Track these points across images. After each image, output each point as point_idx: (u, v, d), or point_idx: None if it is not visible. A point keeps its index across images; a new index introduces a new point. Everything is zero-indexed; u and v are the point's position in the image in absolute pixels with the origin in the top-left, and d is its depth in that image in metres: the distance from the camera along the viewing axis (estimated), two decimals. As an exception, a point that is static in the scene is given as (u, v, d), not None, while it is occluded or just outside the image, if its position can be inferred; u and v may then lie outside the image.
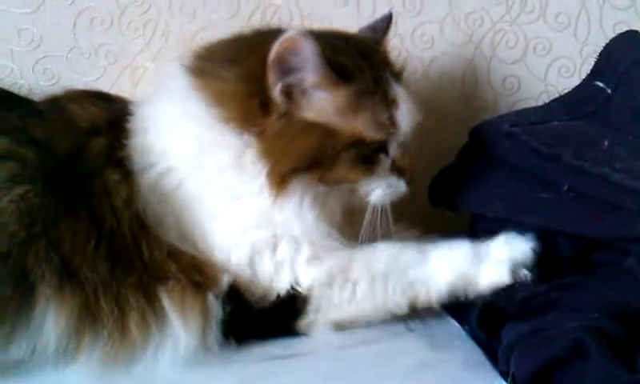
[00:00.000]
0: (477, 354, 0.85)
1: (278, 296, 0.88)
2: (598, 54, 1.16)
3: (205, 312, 0.83)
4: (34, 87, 1.12)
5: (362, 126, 0.86)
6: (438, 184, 1.10)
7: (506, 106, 1.27)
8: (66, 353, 0.79)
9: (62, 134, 0.87)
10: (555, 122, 1.07)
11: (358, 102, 0.86)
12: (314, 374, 0.80)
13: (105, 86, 1.12)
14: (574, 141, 0.98)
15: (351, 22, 1.19)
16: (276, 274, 0.88)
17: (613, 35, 1.18)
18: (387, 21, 1.01)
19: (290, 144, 0.85)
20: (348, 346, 0.86)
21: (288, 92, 0.85)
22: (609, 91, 1.08)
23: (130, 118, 0.90)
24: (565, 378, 0.73)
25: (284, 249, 0.88)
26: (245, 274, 0.87)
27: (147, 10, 1.17)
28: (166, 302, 0.82)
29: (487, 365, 0.82)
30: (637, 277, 0.81)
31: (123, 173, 0.86)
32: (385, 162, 0.90)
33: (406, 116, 0.89)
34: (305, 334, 0.89)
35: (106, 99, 0.96)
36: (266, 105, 0.85)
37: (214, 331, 0.83)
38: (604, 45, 1.16)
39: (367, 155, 0.88)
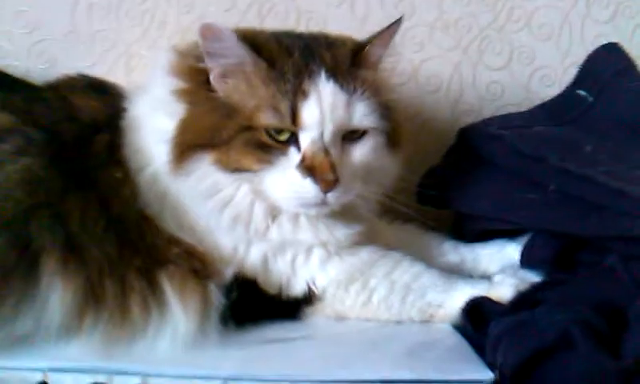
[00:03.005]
0: (464, 345, 0.88)
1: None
2: (578, 64, 1.21)
3: (205, 299, 0.85)
4: (30, 70, 1.12)
5: (258, 108, 0.84)
6: (426, 183, 1.12)
7: (489, 110, 1.31)
8: (69, 329, 0.80)
9: (65, 123, 0.89)
10: (539, 127, 1.11)
11: (262, 85, 0.85)
12: (313, 358, 0.82)
13: (100, 72, 1.12)
14: (559, 145, 1.03)
15: (345, 21, 1.23)
16: (292, 276, 0.91)
17: (593, 47, 1.23)
18: (392, 27, 0.94)
19: (199, 118, 0.86)
20: (344, 333, 0.90)
21: (221, 74, 0.86)
22: (590, 100, 1.13)
23: (124, 114, 0.92)
24: (551, 368, 0.76)
25: (292, 252, 0.91)
26: (259, 273, 0.90)
27: (145, 0, 1.17)
28: (167, 286, 0.84)
29: (474, 356, 0.85)
30: (619, 274, 0.85)
31: (124, 171, 0.88)
32: (292, 156, 0.85)
33: (314, 110, 0.84)
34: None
35: (104, 91, 0.97)
36: (208, 82, 0.87)
37: (214, 317, 0.84)
38: (585, 56, 1.21)
39: (264, 142, 0.84)
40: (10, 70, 1.07)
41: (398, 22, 0.94)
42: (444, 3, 1.28)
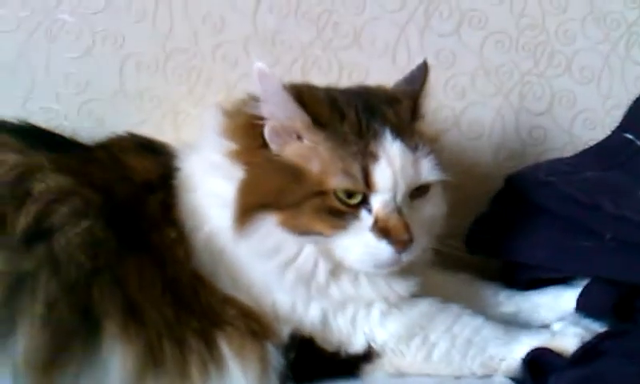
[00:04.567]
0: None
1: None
2: (620, 106, 1.23)
3: (263, 360, 0.84)
4: (78, 129, 1.13)
5: (329, 174, 0.83)
6: (476, 231, 1.12)
7: (532, 155, 1.30)
8: None
9: (118, 184, 0.89)
10: (588, 172, 1.10)
11: (329, 151, 0.84)
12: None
13: (148, 130, 1.13)
14: (611, 190, 1.02)
15: (387, 71, 1.24)
16: (352, 332, 0.90)
17: (634, 88, 1.25)
18: (423, 71, 0.97)
19: (261, 180, 0.85)
20: None
21: (276, 131, 0.86)
22: (638, 143, 1.12)
23: (177, 174, 0.93)
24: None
25: (354, 308, 0.90)
26: (317, 331, 0.89)
27: (192, 58, 1.20)
28: (225, 348, 0.84)
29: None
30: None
31: (178, 232, 0.88)
32: (364, 219, 0.85)
33: (386, 172, 0.83)
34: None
35: (154, 150, 0.98)
36: (263, 139, 0.87)
37: (273, 378, 0.84)
38: (626, 98, 1.23)
39: (336, 208, 0.83)
40: (60, 130, 1.09)
41: (427, 67, 0.96)
42: (485, 50, 1.28)
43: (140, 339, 0.80)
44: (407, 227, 0.84)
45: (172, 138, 1.07)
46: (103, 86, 1.18)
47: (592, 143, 1.24)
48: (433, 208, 0.91)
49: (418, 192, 0.89)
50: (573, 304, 0.99)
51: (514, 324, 0.99)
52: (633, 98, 1.23)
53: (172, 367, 0.81)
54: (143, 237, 0.86)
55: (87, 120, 1.18)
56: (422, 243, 0.88)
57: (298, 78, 1.19)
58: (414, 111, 0.93)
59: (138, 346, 0.80)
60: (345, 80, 1.23)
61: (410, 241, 0.84)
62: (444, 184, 0.94)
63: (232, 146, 0.88)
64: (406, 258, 0.86)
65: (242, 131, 0.89)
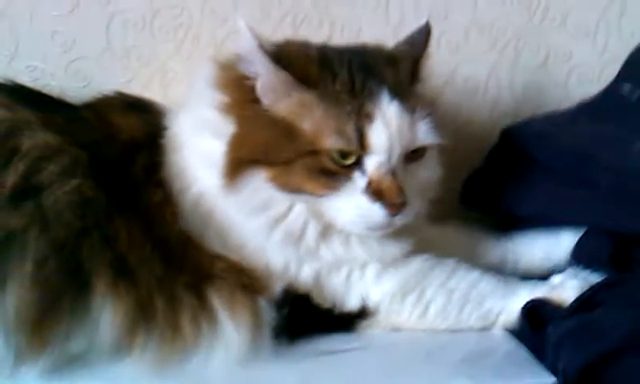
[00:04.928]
0: (522, 350, 0.86)
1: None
2: (616, 60, 1.20)
3: (255, 314, 0.83)
4: (65, 89, 1.12)
5: (322, 133, 0.81)
6: (471, 186, 1.11)
7: (527, 111, 1.28)
8: (121, 348, 0.80)
9: (105, 143, 0.88)
10: (584, 125, 1.09)
11: (322, 110, 0.82)
12: (368, 370, 0.81)
13: (135, 89, 1.12)
14: (607, 142, 1.01)
15: (380, 27, 1.22)
16: (346, 292, 0.89)
17: (631, 42, 1.22)
18: (425, 33, 0.94)
19: (252, 134, 0.83)
20: (398, 342, 0.89)
21: (267, 87, 0.84)
22: (636, 96, 1.10)
23: (165, 133, 0.91)
24: (618, 372, 0.74)
25: (347, 269, 0.89)
26: (311, 289, 0.88)
27: (179, 14, 1.17)
28: (216, 301, 0.83)
29: (533, 360, 0.83)
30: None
31: (164, 194, 0.87)
32: (357, 180, 0.83)
33: (381, 133, 0.82)
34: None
35: (141, 108, 0.96)
36: (256, 95, 0.85)
37: (266, 332, 0.83)
38: (622, 52, 1.20)
39: (328, 168, 0.82)
40: (47, 90, 1.07)
41: (429, 29, 0.94)
42: (477, 5, 1.26)
43: (130, 296, 0.79)
44: (401, 190, 0.83)
45: (160, 97, 1.06)
46: (90, 45, 1.15)
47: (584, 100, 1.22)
48: (428, 172, 0.90)
49: (414, 155, 0.87)
50: (570, 246, 0.98)
51: (509, 271, 1.00)
52: (629, 52, 1.21)
53: (163, 321, 0.80)
54: (131, 197, 0.85)
55: (74, 79, 1.15)
56: (415, 207, 0.87)
57: (288, 34, 1.16)
58: (414, 73, 0.91)
59: (128, 303, 0.79)
60: (337, 37, 1.20)
61: (404, 204, 0.83)
62: (440, 147, 0.92)
63: (224, 98, 0.86)
64: (400, 221, 0.85)
65: (234, 84, 0.86)
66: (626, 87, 1.11)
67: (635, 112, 1.09)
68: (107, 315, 0.78)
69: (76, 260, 0.78)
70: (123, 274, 0.80)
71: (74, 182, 0.81)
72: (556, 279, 0.93)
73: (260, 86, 0.84)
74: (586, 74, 1.31)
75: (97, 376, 0.78)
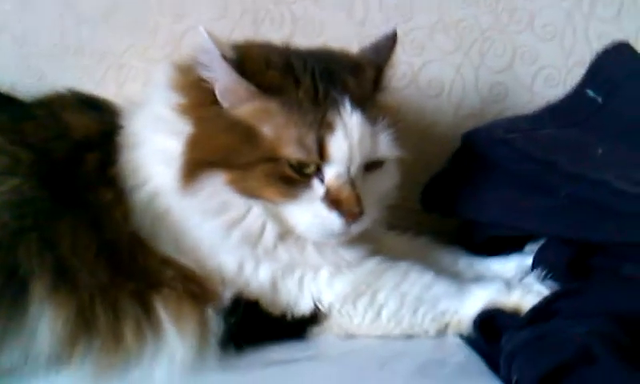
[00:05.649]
0: (476, 361, 0.84)
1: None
2: (583, 63, 1.19)
3: (202, 324, 0.81)
4: (16, 85, 1.08)
5: (282, 141, 0.80)
6: (432, 190, 1.10)
7: (493, 113, 1.27)
8: (60, 359, 0.76)
9: (56, 142, 0.85)
10: (547, 130, 1.08)
11: (283, 118, 0.80)
12: (319, 380, 0.79)
13: (89, 86, 1.08)
14: (569, 148, 1.00)
15: (343, 26, 1.20)
16: (299, 295, 0.87)
17: (598, 46, 1.20)
18: (391, 40, 0.93)
19: (211, 136, 0.82)
20: (351, 351, 0.86)
21: (226, 92, 0.82)
22: (599, 101, 1.10)
23: (120, 130, 0.89)
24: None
25: (301, 271, 0.87)
26: (264, 294, 0.86)
27: (136, 9, 1.14)
28: (162, 311, 0.80)
29: (487, 371, 0.81)
30: (638, 282, 0.81)
31: (116, 192, 0.84)
32: (316, 189, 0.82)
33: (342, 144, 0.81)
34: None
35: (96, 107, 0.94)
36: (215, 96, 0.83)
37: (213, 342, 0.81)
38: (589, 55, 1.19)
39: (288, 176, 0.81)
40: (-3, 86, 1.04)
41: (396, 36, 0.93)
42: (443, 5, 1.24)
43: (71, 302, 0.76)
44: (359, 200, 0.82)
45: (115, 94, 1.04)
46: (42, 40, 1.12)
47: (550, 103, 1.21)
48: (386, 181, 0.90)
49: (372, 165, 0.86)
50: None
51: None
52: (595, 55, 1.20)
53: (105, 330, 0.77)
54: (79, 196, 0.82)
55: (26, 75, 1.12)
56: (372, 215, 0.87)
57: (248, 31, 1.14)
58: (377, 82, 0.90)
59: (68, 310, 0.76)
60: (299, 35, 1.18)
61: (361, 213, 0.83)
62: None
63: (181, 99, 0.85)
64: (355, 229, 0.84)
65: (192, 86, 0.85)
66: (590, 93, 1.09)
67: (600, 116, 1.08)
68: (45, 323, 0.75)
69: (11, 263, 0.75)
70: (64, 279, 0.77)
71: (14, 182, 0.78)
72: (511, 279, 0.93)
73: (219, 90, 0.83)
74: (552, 77, 1.30)
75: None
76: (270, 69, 0.83)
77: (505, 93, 1.29)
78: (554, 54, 1.30)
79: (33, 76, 1.12)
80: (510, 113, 1.26)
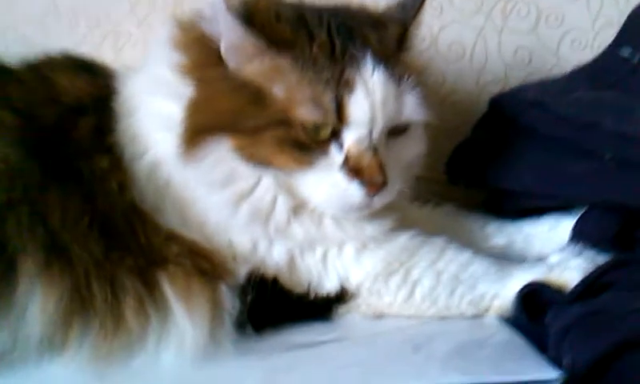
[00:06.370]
0: (519, 341, 0.78)
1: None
2: (611, 25, 1.15)
3: (214, 303, 0.75)
4: (4, 54, 1.00)
5: (295, 101, 0.74)
6: (457, 159, 1.04)
7: (517, 79, 1.21)
8: (53, 343, 0.71)
9: (45, 106, 0.80)
10: (581, 92, 1.00)
11: (297, 75, 0.74)
12: (348, 365, 0.73)
13: (84, 53, 1.01)
14: (608, 108, 0.92)
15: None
16: (323, 273, 0.81)
17: (626, 8, 1.14)
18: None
19: (215, 98, 0.76)
20: (381, 332, 0.80)
21: (233, 50, 0.76)
22: (635, 61, 1.02)
23: (116, 96, 0.83)
24: (632, 365, 0.66)
25: (323, 248, 0.81)
26: (282, 272, 0.80)
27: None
28: (167, 288, 0.75)
29: (532, 352, 0.75)
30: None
31: (113, 160, 0.78)
32: (334, 156, 0.76)
33: (363, 104, 0.74)
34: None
35: (90, 70, 0.87)
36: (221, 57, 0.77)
37: (227, 324, 0.75)
38: (618, 17, 1.14)
39: (302, 141, 0.75)
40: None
41: None
42: (464, -37, 1.18)
43: (64, 279, 0.71)
44: (382, 168, 0.76)
45: (112, 61, 0.95)
46: (33, 5, 1.06)
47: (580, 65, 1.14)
48: (412, 148, 0.83)
49: (397, 130, 0.80)
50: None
51: (506, 258, 0.90)
52: (624, 17, 1.13)
53: (103, 309, 0.72)
54: (71, 165, 0.76)
55: (15, 43, 1.06)
56: (396, 186, 0.80)
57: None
58: (402, 40, 0.82)
59: (61, 287, 0.70)
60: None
61: (384, 184, 0.76)
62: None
63: (182, 59, 0.79)
64: (378, 202, 0.78)
65: (196, 45, 0.79)
66: (626, 51, 1.02)
67: (636, 78, 1.01)
68: (36, 303, 0.69)
69: (0, 238, 0.69)
70: (56, 255, 0.71)
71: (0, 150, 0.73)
72: (554, 258, 0.85)
73: (225, 48, 0.76)
74: (579, 40, 1.24)
75: (21, 380, 0.69)
76: (280, 22, 0.76)
77: (529, 57, 1.23)
78: (580, 16, 1.24)
79: (23, 44, 1.04)
80: (535, 78, 1.20)
